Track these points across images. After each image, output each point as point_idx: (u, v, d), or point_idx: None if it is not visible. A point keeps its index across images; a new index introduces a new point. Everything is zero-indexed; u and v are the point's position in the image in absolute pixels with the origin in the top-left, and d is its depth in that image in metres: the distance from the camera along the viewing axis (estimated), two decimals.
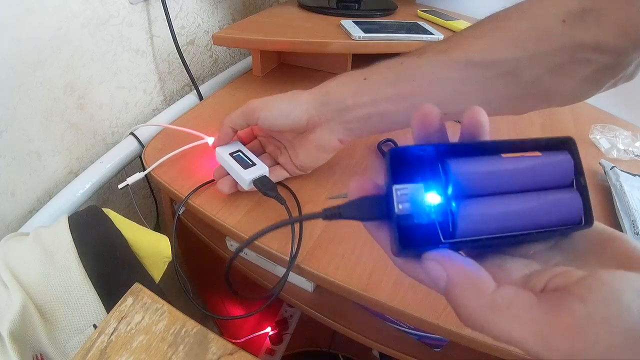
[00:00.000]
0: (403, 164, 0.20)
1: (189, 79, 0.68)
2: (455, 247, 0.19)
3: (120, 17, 0.57)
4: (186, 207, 0.46)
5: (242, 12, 0.87)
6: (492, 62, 0.34)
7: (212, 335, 0.31)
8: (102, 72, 0.57)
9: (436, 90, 0.37)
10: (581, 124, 0.66)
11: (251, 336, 0.80)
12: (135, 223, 0.43)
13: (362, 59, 0.40)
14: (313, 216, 0.22)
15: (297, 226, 0.42)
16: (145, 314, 0.33)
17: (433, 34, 0.64)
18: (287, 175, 0.46)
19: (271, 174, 0.43)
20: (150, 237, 0.43)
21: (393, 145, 0.52)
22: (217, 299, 0.74)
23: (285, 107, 0.40)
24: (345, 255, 0.41)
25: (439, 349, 0.45)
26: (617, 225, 0.45)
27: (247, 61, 0.82)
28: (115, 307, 0.33)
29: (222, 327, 0.74)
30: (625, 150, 0.59)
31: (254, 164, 0.42)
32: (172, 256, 0.43)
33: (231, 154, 0.43)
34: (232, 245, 0.52)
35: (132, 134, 0.58)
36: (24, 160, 0.49)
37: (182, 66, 0.67)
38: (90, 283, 0.37)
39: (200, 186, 0.47)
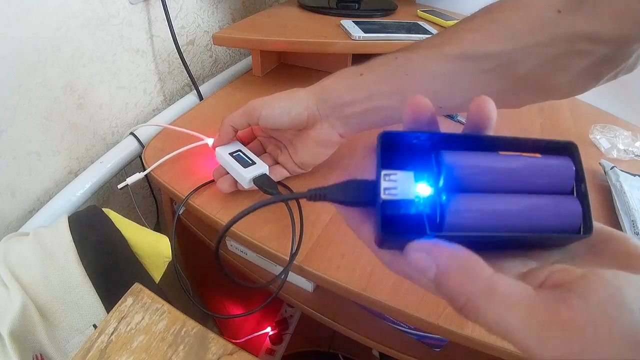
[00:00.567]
0: (395, 150, 0.20)
1: (189, 79, 0.68)
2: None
3: (120, 17, 0.57)
4: (186, 207, 0.46)
5: (242, 12, 0.87)
6: (485, 55, 0.34)
7: (212, 335, 0.31)
8: (102, 72, 0.57)
9: (430, 85, 0.36)
10: (581, 124, 0.66)
11: (251, 336, 0.80)
12: (135, 223, 0.43)
13: (362, 59, 0.40)
14: (298, 195, 0.21)
15: (297, 226, 0.42)
16: (145, 314, 0.33)
17: (433, 34, 0.64)
18: (287, 174, 0.46)
19: (271, 173, 0.44)
20: (150, 237, 0.43)
21: None
22: (217, 299, 0.74)
23: (285, 104, 0.41)
24: (346, 255, 0.41)
25: (439, 349, 0.45)
26: (617, 225, 0.45)
27: (247, 61, 0.82)
28: (115, 307, 0.33)
29: (222, 327, 0.74)
30: (625, 150, 0.59)
31: (253, 163, 0.42)
32: (172, 256, 0.43)
33: (231, 154, 0.43)
34: (232, 245, 0.52)
35: (132, 134, 0.58)
36: (24, 160, 0.49)
37: (182, 66, 0.67)
38: (90, 283, 0.37)
39: (201, 186, 0.47)
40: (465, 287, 0.16)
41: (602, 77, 0.34)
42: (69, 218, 0.41)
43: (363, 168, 0.20)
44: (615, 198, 0.48)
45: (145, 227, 0.44)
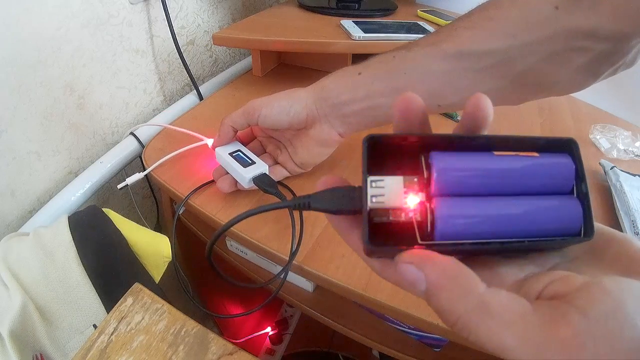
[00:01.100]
0: (382, 153, 0.18)
1: (189, 79, 0.68)
2: (434, 250, 0.17)
3: (120, 17, 0.57)
4: (186, 207, 0.46)
5: (242, 12, 0.87)
6: (483, 53, 0.34)
7: (212, 335, 0.31)
8: (102, 72, 0.57)
9: (427, 83, 0.36)
10: (581, 124, 0.66)
11: (251, 336, 0.80)
12: (135, 223, 0.43)
13: (362, 59, 0.40)
14: (280, 205, 0.20)
15: (297, 226, 0.42)
16: (145, 314, 0.33)
17: (431, 32, 0.64)
18: (287, 174, 0.46)
19: (271, 172, 0.44)
20: (150, 237, 0.43)
21: None
22: (217, 299, 0.74)
23: (284, 104, 0.41)
24: (346, 255, 0.41)
25: (439, 349, 0.45)
26: (617, 226, 0.45)
27: (247, 61, 0.82)
28: (115, 307, 0.33)
29: (222, 327, 0.74)
30: (625, 150, 0.59)
31: (253, 163, 0.42)
32: (172, 256, 0.43)
33: (231, 154, 0.43)
34: (232, 245, 0.52)
35: (132, 134, 0.58)
36: (24, 160, 0.49)
37: (182, 66, 0.67)
38: (90, 283, 0.37)
39: (201, 186, 0.47)
40: (457, 305, 0.15)
41: (601, 73, 0.34)
42: (69, 218, 0.41)
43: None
44: (615, 198, 0.48)
45: (145, 227, 0.44)
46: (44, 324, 0.34)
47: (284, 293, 0.48)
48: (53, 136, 0.52)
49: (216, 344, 0.31)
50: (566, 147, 0.18)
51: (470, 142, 0.18)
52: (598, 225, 0.18)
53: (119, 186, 0.48)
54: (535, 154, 0.18)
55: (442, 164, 0.17)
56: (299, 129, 0.43)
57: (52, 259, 0.37)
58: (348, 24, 0.65)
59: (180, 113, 0.63)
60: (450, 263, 0.16)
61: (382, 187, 0.17)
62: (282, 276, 0.42)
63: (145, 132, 0.59)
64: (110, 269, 0.39)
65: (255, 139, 0.48)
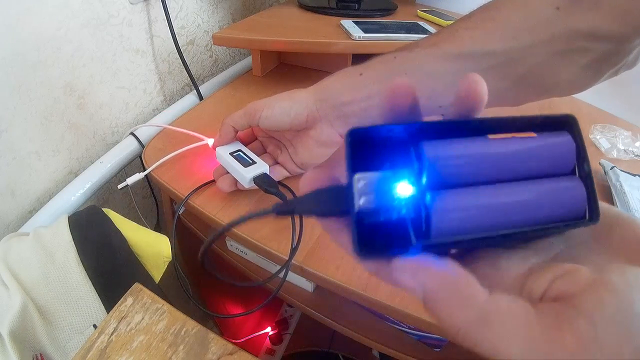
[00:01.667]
0: (367, 148, 0.17)
1: (189, 79, 0.68)
2: (431, 249, 0.16)
3: (120, 17, 0.57)
4: (186, 207, 0.46)
5: (242, 12, 0.87)
6: (484, 54, 0.34)
7: (212, 335, 0.31)
8: (102, 72, 0.57)
9: (428, 84, 0.36)
10: (581, 123, 0.66)
11: (251, 336, 0.80)
12: (135, 223, 0.43)
13: (362, 59, 0.40)
14: (263, 212, 0.19)
15: (297, 224, 0.42)
16: (145, 314, 0.33)
17: (432, 33, 0.64)
18: (287, 174, 0.46)
19: (271, 172, 0.44)
20: (150, 237, 0.43)
21: None
22: (217, 299, 0.74)
23: (285, 104, 0.41)
24: (345, 255, 0.40)
25: (439, 349, 0.45)
26: None
27: (247, 61, 0.82)
28: (115, 307, 0.33)
29: (222, 327, 0.74)
30: (625, 150, 0.59)
31: (254, 162, 0.42)
32: (172, 256, 0.43)
33: (231, 154, 0.43)
34: (232, 245, 0.52)
35: (132, 134, 0.58)
36: (24, 160, 0.49)
37: (182, 66, 0.67)
38: (90, 283, 0.37)
39: (201, 186, 0.47)
40: (457, 316, 0.14)
41: (603, 74, 0.34)
42: (69, 218, 0.41)
43: None
44: (615, 198, 0.48)
45: (145, 227, 0.44)
46: (44, 324, 0.34)
47: (284, 293, 0.48)
48: (53, 136, 0.52)
49: (216, 344, 0.31)
50: (565, 124, 0.17)
51: (462, 127, 0.17)
52: (602, 204, 0.17)
53: (119, 186, 0.48)
54: (533, 134, 0.16)
55: (433, 153, 0.15)
56: (299, 130, 0.43)
57: (52, 259, 0.37)
58: (348, 24, 0.64)
59: (180, 113, 0.63)
60: (448, 271, 0.14)
61: (371, 185, 0.16)
62: (281, 275, 0.42)
63: (145, 132, 0.59)
64: (110, 269, 0.39)
65: (255, 139, 0.48)
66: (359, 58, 0.41)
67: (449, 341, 0.43)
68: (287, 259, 0.40)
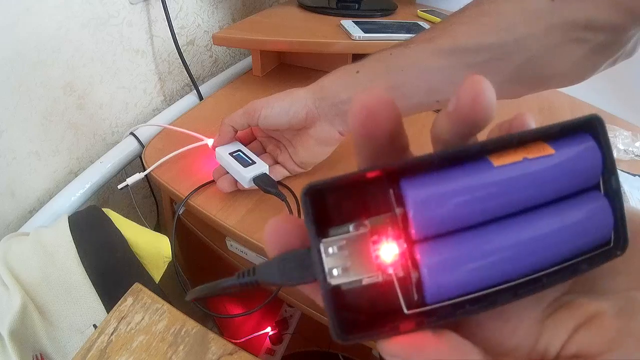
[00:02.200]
0: (334, 201, 0.14)
1: (189, 79, 0.68)
2: (428, 318, 0.13)
3: (120, 17, 0.57)
4: (186, 207, 0.46)
5: (242, 12, 0.87)
6: (479, 48, 0.34)
7: (212, 335, 0.31)
8: (102, 72, 0.57)
9: (424, 79, 0.36)
10: None
11: (251, 336, 0.80)
12: (135, 223, 0.43)
13: (362, 59, 0.40)
14: (225, 282, 0.16)
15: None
16: (145, 314, 0.33)
17: (427, 29, 0.64)
18: (287, 173, 0.46)
19: (271, 172, 0.44)
20: (150, 237, 0.43)
21: None
22: (217, 299, 0.74)
23: (285, 104, 0.41)
24: None
25: None
26: None
27: (247, 61, 0.82)
28: (115, 307, 0.33)
29: (222, 327, 0.74)
30: (625, 150, 0.59)
31: (253, 162, 0.42)
32: (172, 256, 0.43)
33: (231, 154, 0.43)
34: (232, 245, 0.52)
35: (132, 134, 0.58)
36: (24, 160, 0.49)
37: (182, 66, 0.67)
38: (90, 283, 0.37)
39: (201, 186, 0.47)
40: None
41: (600, 64, 0.33)
42: (69, 218, 0.41)
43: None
44: (624, 195, 0.48)
45: (145, 227, 0.44)
46: (44, 324, 0.34)
47: (284, 293, 0.48)
48: (53, 136, 0.52)
49: (216, 344, 0.31)
50: (588, 128, 0.13)
51: (456, 152, 0.13)
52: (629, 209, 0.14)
53: (119, 186, 0.48)
54: (549, 149, 0.13)
55: (418, 195, 0.12)
56: (299, 129, 0.43)
57: (52, 259, 0.37)
58: (348, 24, 0.64)
59: (180, 113, 0.63)
60: (447, 351, 0.12)
61: (343, 250, 0.13)
62: None
63: (145, 132, 0.59)
64: (110, 269, 0.39)
65: (255, 139, 0.48)
66: (359, 58, 0.41)
67: None
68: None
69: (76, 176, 0.54)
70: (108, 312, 0.35)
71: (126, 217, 0.43)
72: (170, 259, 0.43)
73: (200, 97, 0.69)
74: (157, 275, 0.43)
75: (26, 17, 0.44)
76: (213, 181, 0.47)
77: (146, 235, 0.43)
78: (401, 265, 0.13)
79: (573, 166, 0.13)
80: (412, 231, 0.12)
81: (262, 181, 0.41)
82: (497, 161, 0.13)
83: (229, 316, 0.76)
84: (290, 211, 0.43)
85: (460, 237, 0.12)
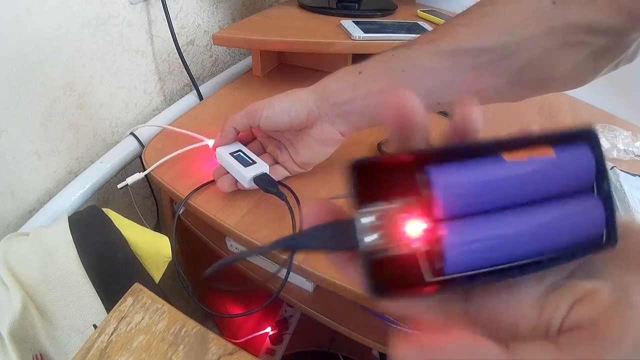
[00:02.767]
0: (373, 179, 0.16)
1: (189, 79, 0.68)
2: (446, 286, 0.15)
3: (120, 17, 0.57)
4: (186, 207, 0.46)
5: (242, 12, 0.87)
6: (480, 50, 0.34)
7: (212, 335, 0.31)
8: (102, 72, 0.57)
9: (426, 80, 0.36)
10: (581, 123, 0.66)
11: (251, 336, 0.80)
12: (135, 223, 0.43)
13: (362, 59, 0.40)
14: (260, 251, 0.17)
15: (297, 224, 0.42)
16: (145, 314, 0.33)
17: (429, 30, 0.64)
18: (287, 173, 0.46)
19: (271, 172, 0.44)
20: (150, 237, 0.43)
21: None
22: (217, 299, 0.74)
23: (286, 104, 0.41)
24: None
25: None
26: None
27: (247, 61, 0.82)
28: (115, 307, 0.33)
29: (222, 327, 0.74)
30: (625, 150, 0.59)
31: (254, 162, 0.42)
32: (172, 256, 0.43)
33: (231, 154, 0.43)
34: (232, 245, 0.52)
35: (132, 134, 0.58)
36: (24, 160, 0.49)
37: (182, 66, 0.67)
38: (90, 283, 0.37)
39: (201, 186, 0.47)
40: None
41: (602, 68, 0.33)
42: (69, 218, 0.41)
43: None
44: (615, 198, 0.48)
45: (145, 227, 0.44)
46: (44, 324, 0.34)
47: (284, 293, 0.48)
48: (53, 136, 0.52)
49: (216, 344, 0.31)
50: (584, 138, 0.16)
51: (474, 148, 0.16)
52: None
53: (119, 186, 0.48)
54: (551, 152, 0.15)
55: (443, 179, 0.14)
56: (300, 129, 0.43)
57: (52, 259, 0.37)
58: (348, 24, 0.64)
59: (180, 113, 0.63)
60: (459, 348, 0.13)
61: (378, 221, 0.15)
62: (280, 274, 0.42)
63: (145, 132, 0.59)
64: (110, 269, 0.39)
65: (255, 139, 0.48)
66: (359, 58, 0.41)
67: None
68: (287, 258, 0.40)
69: (76, 176, 0.54)
70: (108, 312, 0.35)
71: (126, 217, 0.43)
72: (170, 259, 0.43)
73: (200, 97, 0.69)
74: (157, 275, 0.43)
75: (26, 17, 0.44)
76: (213, 181, 0.47)
77: (146, 235, 0.43)
78: (426, 240, 0.15)
79: (570, 168, 0.15)
80: (437, 211, 0.14)
81: (262, 181, 0.41)
82: (508, 157, 0.15)
83: (229, 316, 0.76)
84: (291, 211, 0.43)
85: (477, 219, 0.15)
